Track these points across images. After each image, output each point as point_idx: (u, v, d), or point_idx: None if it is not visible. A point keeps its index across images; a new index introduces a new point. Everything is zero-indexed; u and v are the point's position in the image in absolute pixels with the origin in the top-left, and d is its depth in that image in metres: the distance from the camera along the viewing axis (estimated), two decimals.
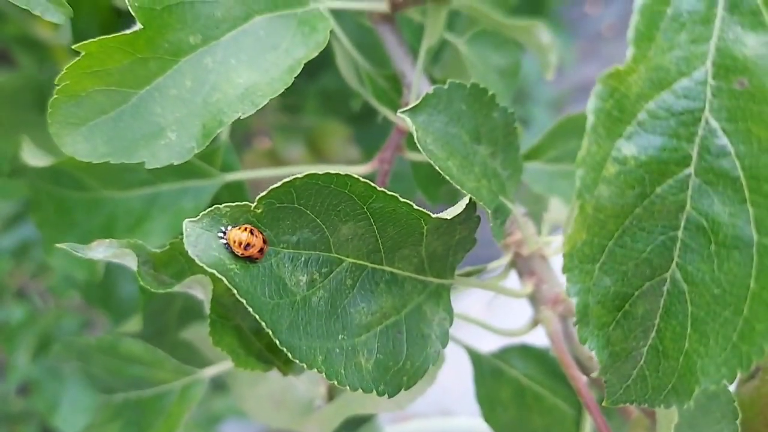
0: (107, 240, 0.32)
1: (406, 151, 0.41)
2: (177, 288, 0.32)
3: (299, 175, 0.27)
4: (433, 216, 0.29)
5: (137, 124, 0.31)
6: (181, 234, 0.28)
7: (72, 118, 0.31)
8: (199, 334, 0.49)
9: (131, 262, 0.32)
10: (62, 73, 0.29)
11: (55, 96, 0.30)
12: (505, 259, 0.39)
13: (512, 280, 0.39)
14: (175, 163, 0.30)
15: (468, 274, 0.36)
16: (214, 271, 0.26)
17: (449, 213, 0.29)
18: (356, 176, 0.28)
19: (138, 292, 0.66)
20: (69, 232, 0.44)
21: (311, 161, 0.77)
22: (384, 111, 0.43)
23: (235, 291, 0.26)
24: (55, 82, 0.30)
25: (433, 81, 0.43)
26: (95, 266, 0.45)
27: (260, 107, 0.31)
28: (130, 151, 0.31)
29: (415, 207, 0.28)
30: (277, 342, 0.27)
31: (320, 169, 0.28)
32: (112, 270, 0.59)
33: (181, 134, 0.31)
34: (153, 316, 0.48)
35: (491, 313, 0.46)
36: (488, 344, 0.44)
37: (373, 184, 0.28)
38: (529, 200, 0.47)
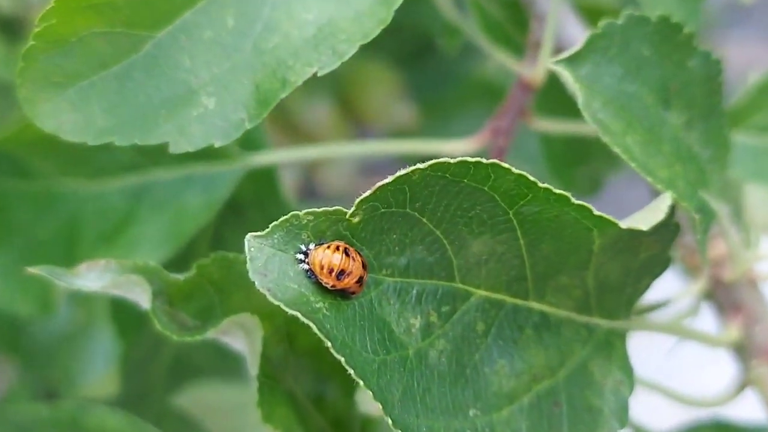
0: (102, 261, 0.34)
1: (532, 117, 0.43)
2: (211, 334, 0.34)
3: (420, 166, 0.28)
4: (621, 225, 0.30)
5: (155, 83, 0.32)
6: (199, 251, 0.29)
7: (55, 74, 0.32)
8: (200, 399, 0.51)
9: (140, 295, 0.34)
10: (48, 7, 0.31)
11: (32, 43, 0.32)
12: (696, 287, 0.40)
13: (703, 319, 0.40)
14: (216, 145, 0.32)
15: (642, 312, 0.37)
16: (297, 313, 0.27)
17: (644, 221, 0.31)
18: (505, 165, 0.29)
19: (61, 328, 0.68)
20: (5, 241, 0.46)
21: (342, 126, 0.79)
22: (499, 56, 0.44)
23: (327, 343, 0.27)
24: (36, 22, 0.31)
25: (582, 10, 0.44)
26: (51, 296, 0.46)
27: (345, 59, 0.32)
28: (146, 127, 0.32)
29: (595, 212, 0.30)
30: (390, 421, 0.28)
31: (439, 153, 0.29)
32: None
33: (223, 100, 0.32)
34: (134, 373, 0.50)
35: (667, 369, 0.47)
36: (663, 418, 0.45)
37: (530, 177, 0.29)
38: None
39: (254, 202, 0.46)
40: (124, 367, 0.49)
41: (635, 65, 0.35)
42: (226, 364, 0.55)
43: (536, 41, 0.43)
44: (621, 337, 0.35)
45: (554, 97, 0.45)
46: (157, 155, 0.44)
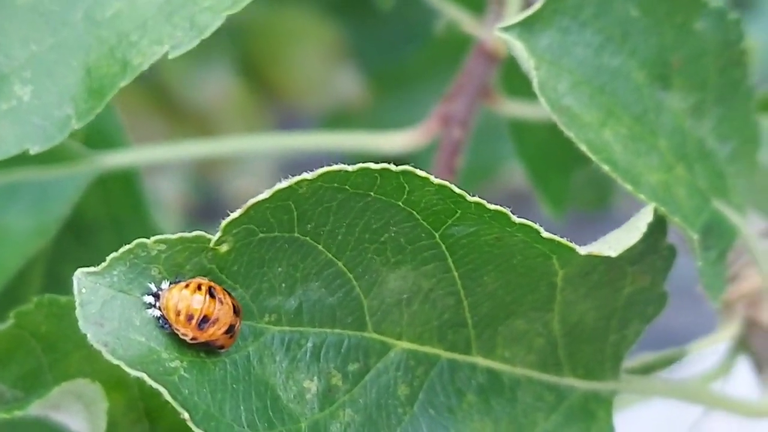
0: None
1: (498, 98, 0.45)
2: (36, 408, 0.36)
3: (308, 176, 0.31)
4: (581, 251, 0.33)
5: None
6: (25, 296, 0.32)
7: None
8: None
9: None
10: None
11: None
12: (727, 333, 0.43)
13: (741, 380, 0.43)
14: (32, 151, 0.35)
15: (645, 370, 0.40)
16: (142, 375, 0.30)
17: (614, 244, 0.34)
18: (421, 173, 0.32)
19: None
20: None
21: (252, 106, 0.80)
22: (453, 14, 0.46)
23: (184, 414, 0.30)
24: None
25: None
26: None
27: (207, 34, 0.35)
28: None
29: (544, 233, 0.33)
30: None
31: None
32: None
33: (44, 89, 0.35)
34: None
35: None
36: None
37: (454, 189, 0.32)
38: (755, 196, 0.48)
39: (107, 222, 0.48)
40: None
41: (620, 31, 0.38)
42: None
43: None
44: (604, 403, 0.38)
45: None
46: None
